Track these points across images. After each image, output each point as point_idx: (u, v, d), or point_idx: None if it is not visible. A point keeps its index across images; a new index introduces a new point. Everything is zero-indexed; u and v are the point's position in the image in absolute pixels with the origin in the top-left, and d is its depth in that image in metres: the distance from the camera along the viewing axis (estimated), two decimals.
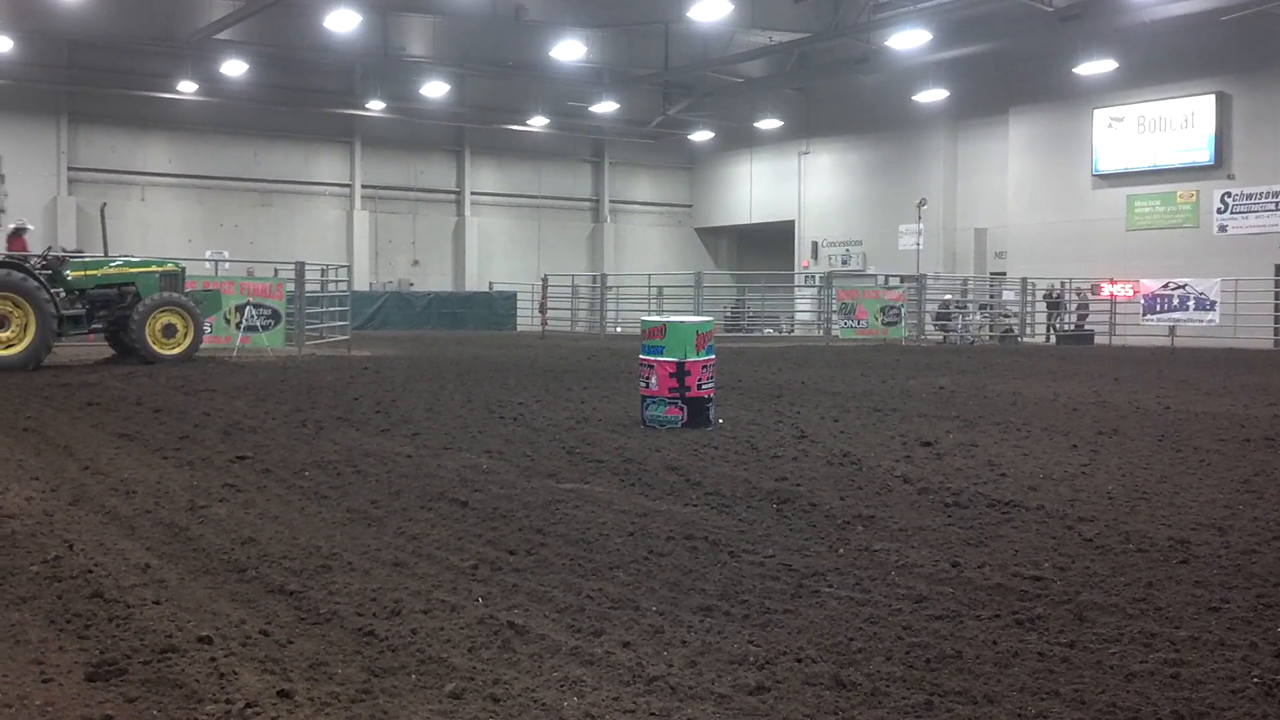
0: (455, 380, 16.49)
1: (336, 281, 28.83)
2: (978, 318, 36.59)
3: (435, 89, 39.87)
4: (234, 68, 36.10)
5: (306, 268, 24.38)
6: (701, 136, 46.10)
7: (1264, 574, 5.70)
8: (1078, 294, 34.31)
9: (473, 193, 45.49)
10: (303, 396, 13.86)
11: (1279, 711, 3.88)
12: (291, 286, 23.54)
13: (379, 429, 10.99)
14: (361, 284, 39.89)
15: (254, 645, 4.49)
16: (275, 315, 22.65)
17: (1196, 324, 31.26)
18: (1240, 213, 32.16)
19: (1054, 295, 34.45)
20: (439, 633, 4.70)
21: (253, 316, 22.03)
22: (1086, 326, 33.14)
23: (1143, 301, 32.51)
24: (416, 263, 44.53)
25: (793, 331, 39.73)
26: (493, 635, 4.66)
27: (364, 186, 43.32)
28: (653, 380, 11.17)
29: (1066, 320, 34.50)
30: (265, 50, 36.56)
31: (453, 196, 45.40)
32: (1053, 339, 34.06)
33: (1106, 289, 33.27)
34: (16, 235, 23.89)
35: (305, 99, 40.48)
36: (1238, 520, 7.01)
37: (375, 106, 40.59)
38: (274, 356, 21.37)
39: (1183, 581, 5.58)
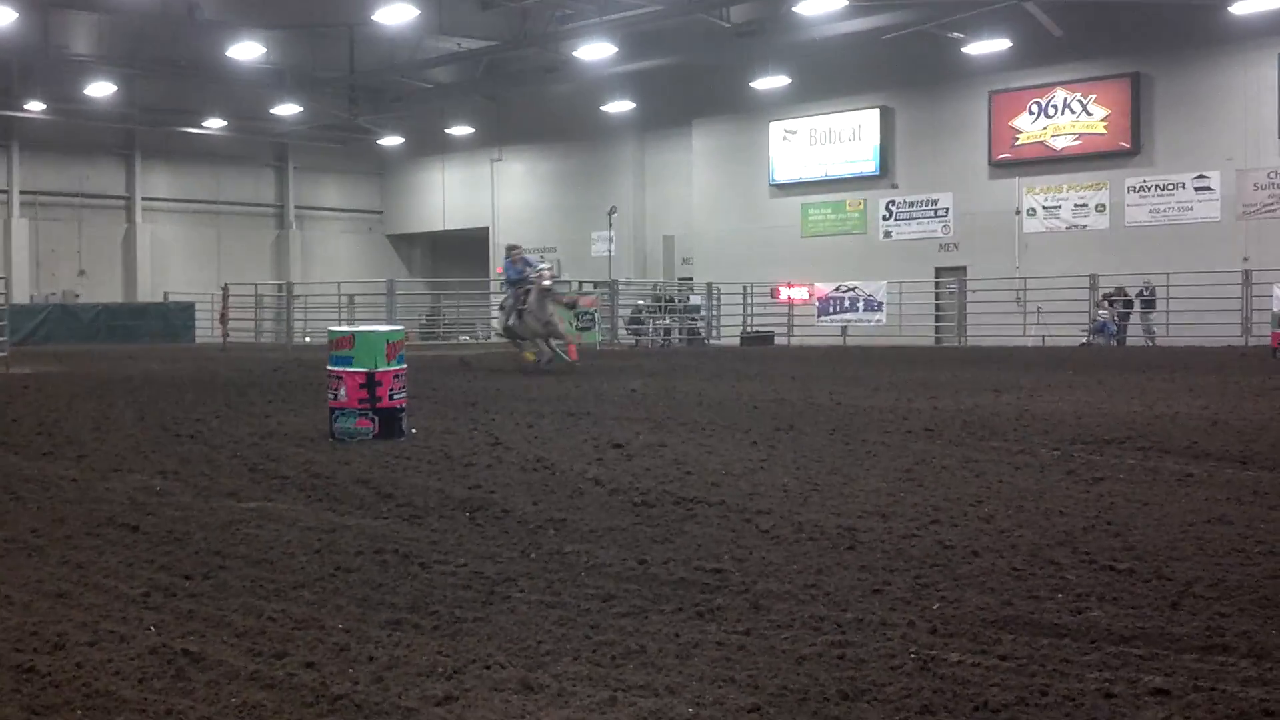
0: (126, 397, 15.55)
1: None
2: (668, 321, 37.68)
3: (101, 89, 37.55)
4: None
5: None
6: (392, 142, 45.43)
7: (922, 556, 6.12)
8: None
9: (144, 198, 43.13)
10: None
11: (934, 684, 4.17)
12: None
13: (41, 452, 10.25)
14: (21, 296, 37.11)
15: None
16: None
17: (866, 324, 33.34)
18: (903, 219, 34.54)
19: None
20: (107, 665, 4.43)
21: None
22: (765, 328, 34.65)
23: (817, 304, 34.39)
24: (83, 273, 41.81)
25: (489, 339, 39.72)
26: (166, 664, 4.43)
27: (23, 193, 40.35)
28: (342, 391, 10.91)
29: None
30: None
31: (122, 203, 42.92)
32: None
33: (784, 293, 34.96)
34: None
35: None
36: (900, 507, 7.49)
37: (35, 107, 37.85)
38: None
39: (849, 567, 5.92)
